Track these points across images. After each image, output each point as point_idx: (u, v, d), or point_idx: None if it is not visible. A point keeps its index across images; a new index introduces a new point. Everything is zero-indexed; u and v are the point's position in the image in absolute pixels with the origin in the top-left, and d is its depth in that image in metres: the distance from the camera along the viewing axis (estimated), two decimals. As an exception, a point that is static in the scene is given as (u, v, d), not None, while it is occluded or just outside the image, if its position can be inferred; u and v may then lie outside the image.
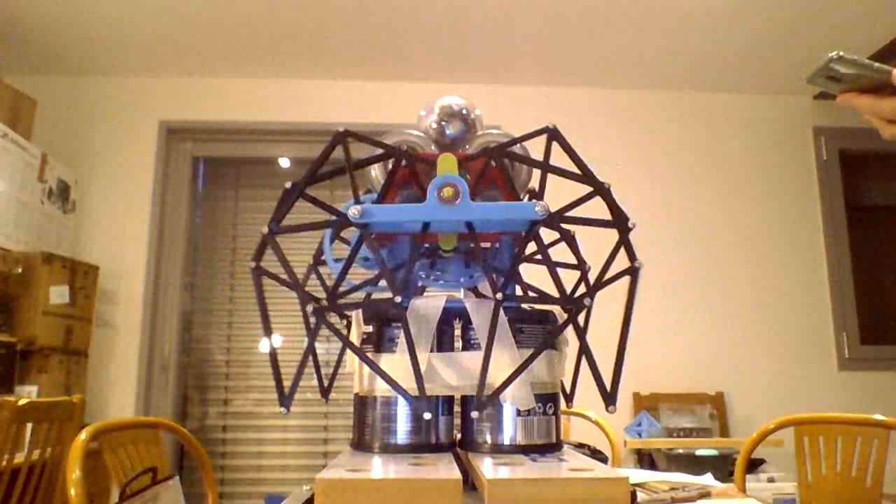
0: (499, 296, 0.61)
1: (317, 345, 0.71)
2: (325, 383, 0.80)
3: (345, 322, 0.79)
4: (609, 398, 0.64)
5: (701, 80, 3.16)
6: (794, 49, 2.85)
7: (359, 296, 0.77)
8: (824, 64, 0.67)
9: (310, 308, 0.66)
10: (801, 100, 3.26)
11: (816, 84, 0.70)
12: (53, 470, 1.78)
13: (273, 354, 0.68)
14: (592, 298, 0.64)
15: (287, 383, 0.67)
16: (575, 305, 0.64)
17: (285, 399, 0.66)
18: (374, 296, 0.80)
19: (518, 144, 0.72)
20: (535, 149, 0.76)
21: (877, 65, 0.66)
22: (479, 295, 0.88)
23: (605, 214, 0.68)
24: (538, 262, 0.71)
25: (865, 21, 2.65)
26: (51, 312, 2.40)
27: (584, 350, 0.66)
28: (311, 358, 0.73)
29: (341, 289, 0.70)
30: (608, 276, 0.68)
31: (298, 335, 2.86)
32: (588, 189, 0.67)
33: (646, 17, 2.64)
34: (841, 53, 0.66)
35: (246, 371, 2.98)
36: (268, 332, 0.69)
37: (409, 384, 0.64)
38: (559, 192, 0.77)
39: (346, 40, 2.82)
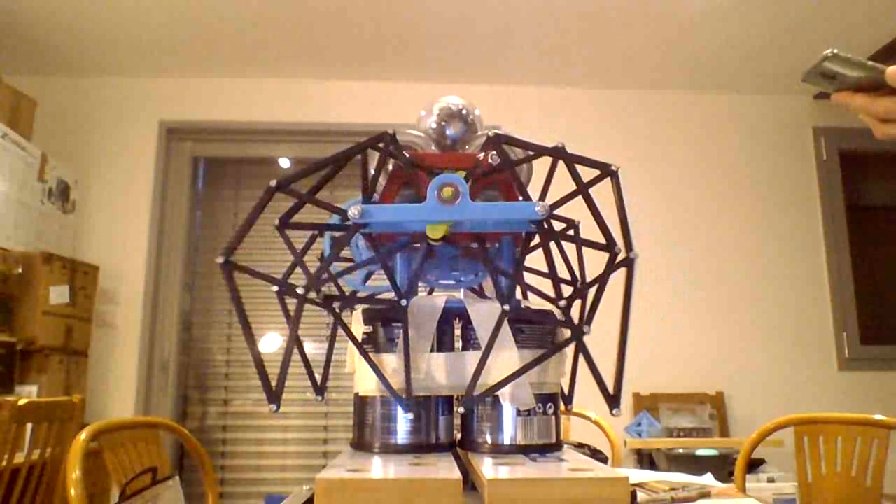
0: (506, 307, 0.61)
1: (313, 346, 0.70)
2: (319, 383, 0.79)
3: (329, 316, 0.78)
4: (613, 401, 0.64)
5: (701, 80, 3.16)
6: (794, 49, 2.85)
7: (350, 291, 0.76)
8: (819, 62, 0.67)
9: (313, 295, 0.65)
10: (801, 100, 3.25)
11: (811, 83, 0.70)
12: (53, 470, 1.78)
13: (255, 353, 0.66)
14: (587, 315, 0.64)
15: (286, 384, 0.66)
16: (570, 301, 0.64)
17: (274, 396, 0.64)
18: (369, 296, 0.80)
19: (519, 140, 0.72)
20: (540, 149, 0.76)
21: (871, 63, 0.66)
22: (479, 294, 0.88)
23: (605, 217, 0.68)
24: (537, 272, 0.71)
25: (865, 21, 2.65)
26: (51, 312, 2.40)
27: (585, 355, 0.65)
28: (307, 357, 0.72)
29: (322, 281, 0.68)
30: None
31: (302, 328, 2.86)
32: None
33: (646, 17, 2.64)
34: (835, 52, 0.66)
35: (246, 371, 2.98)
36: (247, 330, 0.67)
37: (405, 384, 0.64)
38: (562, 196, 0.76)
39: (346, 41, 2.82)
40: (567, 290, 0.73)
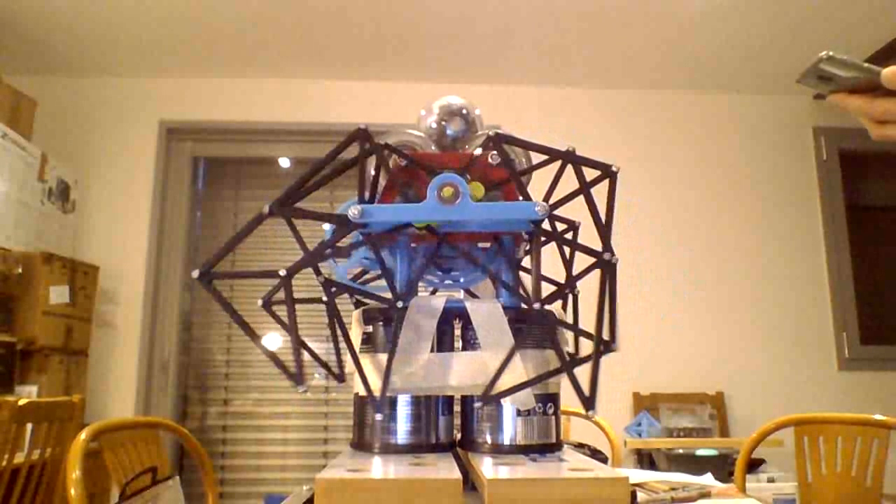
0: (537, 305, 0.61)
1: (316, 346, 0.70)
2: (324, 375, 0.79)
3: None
4: (588, 402, 0.63)
5: (701, 80, 3.16)
6: (794, 49, 2.85)
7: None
8: (814, 64, 0.67)
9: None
10: (801, 100, 3.25)
11: (807, 84, 0.70)
12: (53, 470, 1.78)
13: (262, 346, 0.66)
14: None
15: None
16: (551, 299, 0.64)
17: (298, 378, 0.63)
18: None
19: (527, 142, 0.71)
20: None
21: (867, 65, 0.66)
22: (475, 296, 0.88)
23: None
24: (526, 270, 0.71)
25: (865, 21, 2.65)
26: (51, 312, 2.40)
27: (564, 363, 0.64)
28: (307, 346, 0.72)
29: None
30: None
31: (302, 330, 2.86)
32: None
33: (646, 17, 2.64)
34: (831, 53, 0.66)
35: (246, 371, 2.98)
36: (247, 329, 0.66)
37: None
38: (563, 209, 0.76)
39: (346, 41, 2.82)
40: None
